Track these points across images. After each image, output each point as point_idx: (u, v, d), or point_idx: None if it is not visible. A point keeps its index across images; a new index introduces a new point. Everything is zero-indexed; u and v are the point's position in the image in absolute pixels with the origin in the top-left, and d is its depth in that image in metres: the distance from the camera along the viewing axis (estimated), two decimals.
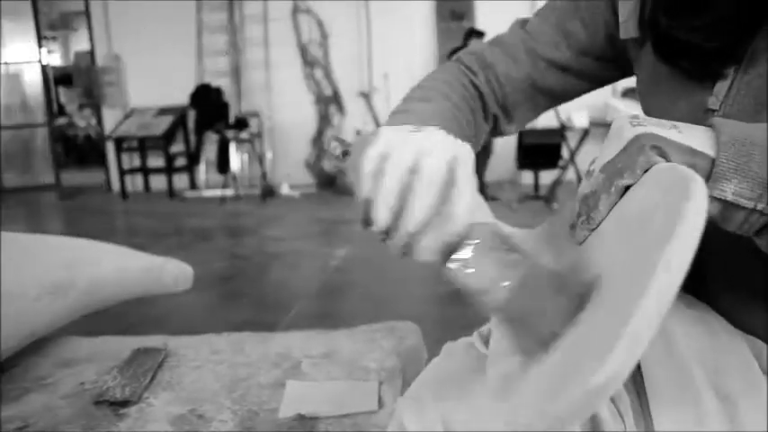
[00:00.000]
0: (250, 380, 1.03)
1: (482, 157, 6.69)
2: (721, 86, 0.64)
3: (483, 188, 6.80)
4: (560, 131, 6.68)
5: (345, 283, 3.97)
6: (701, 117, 0.66)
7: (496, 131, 0.85)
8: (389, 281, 4.00)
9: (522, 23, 0.84)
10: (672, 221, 0.36)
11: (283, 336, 1.24)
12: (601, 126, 6.77)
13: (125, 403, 0.96)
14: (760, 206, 0.49)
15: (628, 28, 0.71)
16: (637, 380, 0.64)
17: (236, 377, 1.04)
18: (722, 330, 0.64)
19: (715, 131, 0.51)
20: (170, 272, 1.32)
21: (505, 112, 0.83)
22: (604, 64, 0.81)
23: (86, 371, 1.08)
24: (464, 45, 6.76)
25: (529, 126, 5.71)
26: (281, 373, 1.06)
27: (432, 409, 0.63)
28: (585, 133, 7.11)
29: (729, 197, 0.49)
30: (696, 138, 0.51)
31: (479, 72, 0.82)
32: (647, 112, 0.77)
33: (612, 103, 6.81)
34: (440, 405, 0.63)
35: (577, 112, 6.79)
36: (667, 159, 0.50)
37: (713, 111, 0.65)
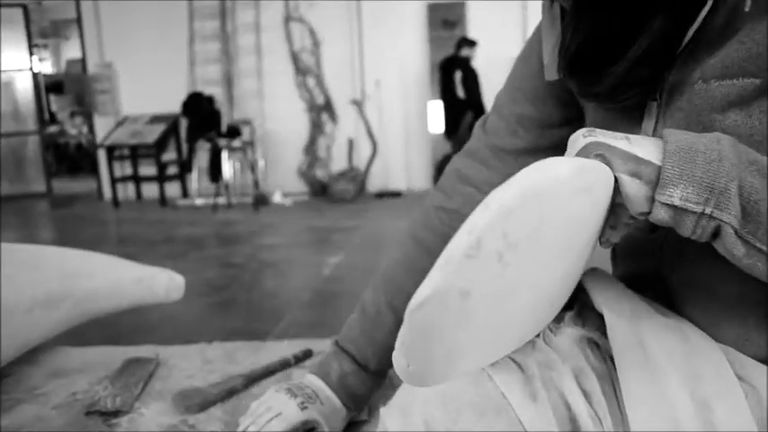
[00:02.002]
0: (242, 390, 1.04)
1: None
2: (647, 125, 0.67)
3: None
4: None
5: (338, 291, 3.97)
6: None
7: None
8: None
9: (481, 124, 0.90)
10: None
11: (275, 345, 1.25)
12: None
13: (116, 413, 0.97)
14: (708, 210, 0.51)
15: (551, 71, 0.74)
16: (614, 384, 0.66)
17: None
18: (696, 337, 0.65)
19: (663, 141, 0.53)
20: (162, 282, 1.32)
21: None
22: (569, 125, 0.83)
23: (78, 381, 1.08)
24: (456, 54, 6.78)
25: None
26: (272, 382, 1.07)
27: (416, 415, 0.64)
28: None
29: (677, 202, 0.51)
30: (644, 147, 0.54)
31: (456, 194, 0.89)
32: None
33: None
34: (423, 409, 0.64)
35: None
36: (611, 166, 0.52)
37: None
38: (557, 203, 0.46)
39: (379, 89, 7.93)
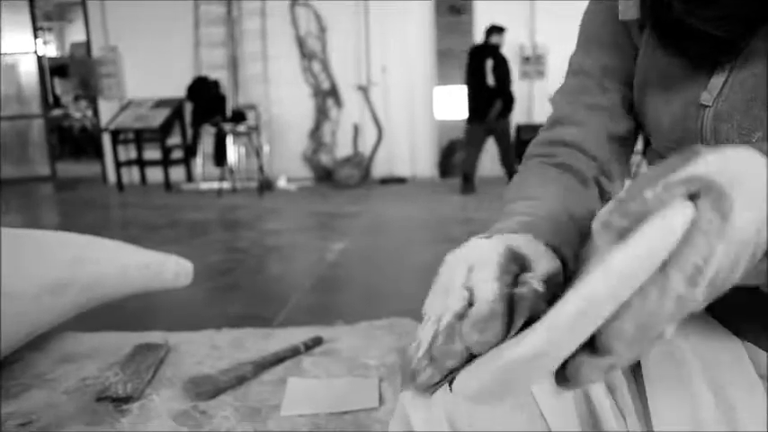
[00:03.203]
0: (252, 377, 1.03)
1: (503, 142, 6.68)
2: (716, 82, 0.63)
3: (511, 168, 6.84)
4: None
5: (342, 276, 3.97)
6: (693, 112, 0.67)
7: (603, 194, 0.78)
8: (385, 275, 4.00)
9: (562, 91, 0.81)
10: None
11: (283, 332, 1.25)
12: None
13: (127, 399, 0.97)
14: None
15: (628, 9, 0.70)
16: (637, 378, 0.65)
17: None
18: (718, 329, 0.65)
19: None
20: (170, 268, 1.32)
21: (604, 174, 0.77)
22: None
23: (87, 366, 1.08)
24: (486, 41, 6.75)
25: (525, 121, 5.70)
26: (281, 369, 1.07)
27: (437, 405, 0.63)
28: None
29: None
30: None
31: (558, 154, 0.77)
32: (640, 106, 0.77)
33: None
34: (444, 400, 0.63)
35: None
36: None
37: (706, 106, 0.65)
38: None
39: (384, 75, 7.89)
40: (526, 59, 7.72)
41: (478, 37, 7.81)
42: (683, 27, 0.63)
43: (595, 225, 0.38)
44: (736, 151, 0.38)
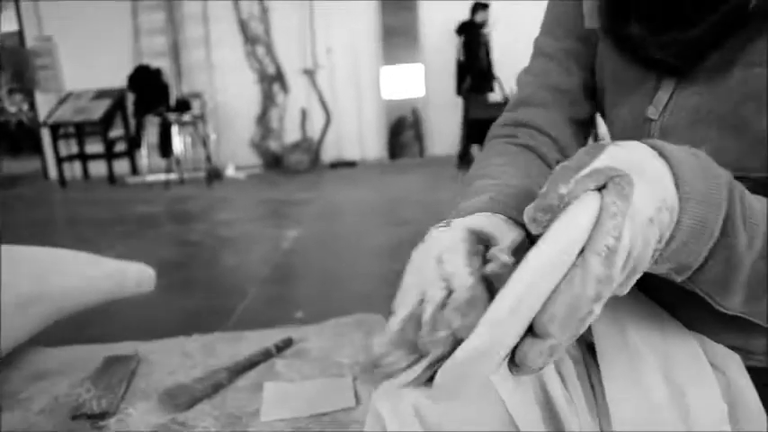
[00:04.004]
0: (227, 384, 1.05)
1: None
2: (661, 97, 0.67)
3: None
4: (504, 105, 6.76)
5: (299, 264, 3.97)
6: (640, 123, 0.71)
7: None
8: (342, 260, 4.02)
9: (527, 72, 0.84)
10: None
11: (253, 335, 1.26)
12: None
13: (103, 415, 0.97)
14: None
15: (592, 16, 0.72)
16: (587, 369, 0.69)
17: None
18: (671, 323, 0.68)
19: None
20: (132, 275, 1.31)
21: (564, 156, 0.81)
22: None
23: (59, 383, 1.07)
24: (471, 19, 6.79)
25: (474, 100, 5.71)
26: (255, 373, 1.08)
27: (405, 401, 0.65)
28: None
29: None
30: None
31: (520, 135, 0.80)
32: (600, 100, 0.80)
33: None
34: (413, 395, 0.65)
35: None
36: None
37: (652, 120, 0.69)
38: None
39: (330, 57, 7.84)
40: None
41: (424, 15, 7.84)
42: (635, 42, 0.67)
43: (525, 220, 0.42)
44: (635, 144, 0.44)
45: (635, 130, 0.72)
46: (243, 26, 7.60)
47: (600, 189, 0.40)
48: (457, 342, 0.41)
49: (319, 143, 7.91)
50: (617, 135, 0.76)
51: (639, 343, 0.66)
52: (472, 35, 6.76)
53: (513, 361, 0.40)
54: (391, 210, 5.43)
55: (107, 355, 1.17)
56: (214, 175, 7.04)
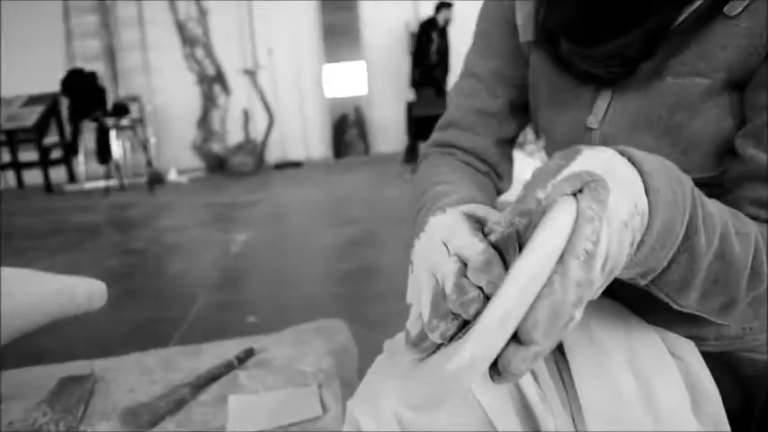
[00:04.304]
0: (190, 399, 1.03)
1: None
2: (600, 105, 0.71)
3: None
4: (445, 102, 6.85)
5: (248, 268, 3.93)
6: (581, 132, 0.74)
7: (498, 192, 0.88)
8: (292, 262, 4.00)
9: (457, 92, 0.86)
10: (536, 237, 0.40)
11: (213, 347, 1.24)
12: None
13: None
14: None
15: (526, 31, 0.76)
16: (557, 365, 0.72)
17: None
18: (634, 321, 0.72)
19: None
20: (82, 290, 1.27)
21: (496, 174, 0.85)
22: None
23: (14, 408, 1.03)
24: (434, 18, 6.85)
25: (421, 96, 5.76)
26: (218, 387, 1.07)
27: (386, 408, 0.66)
28: None
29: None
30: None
31: (454, 154, 0.84)
32: (534, 114, 0.83)
33: None
34: (393, 403, 0.66)
35: None
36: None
37: (592, 129, 0.72)
38: None
39: (271, 57, 7.76)
40: (413, 35, 7.82)
41: (365, 13, 7.85)
42: (567, 58, 0.70)
43: (503, 224, 0.45)
44: (607, 150, 0.46)
45: (576, 139, 0.75)
46: (180, 28, 7.45)
47: (576, 194, 0.41)
48: (486, 298, 0.42)
49: (263, 144, 7.82)
50: (557, 146, 0.78)
51: (604, 338, 0.69)
52: (427, 31, 6.89)
53: (495, 368, 0.41)
54: (338, 209, 5.42)
55: (61, 375, 1.13)
56: (155, 180, 6.88)
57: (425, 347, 0.47)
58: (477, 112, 0.83)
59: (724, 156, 0.65)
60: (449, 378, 0.40)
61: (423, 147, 0.88)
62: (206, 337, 1.31)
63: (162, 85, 7.57)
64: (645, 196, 0.45)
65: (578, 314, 0.38)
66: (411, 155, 7.02)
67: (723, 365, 0.72)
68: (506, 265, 0.43)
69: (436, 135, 0.86)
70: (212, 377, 1.09)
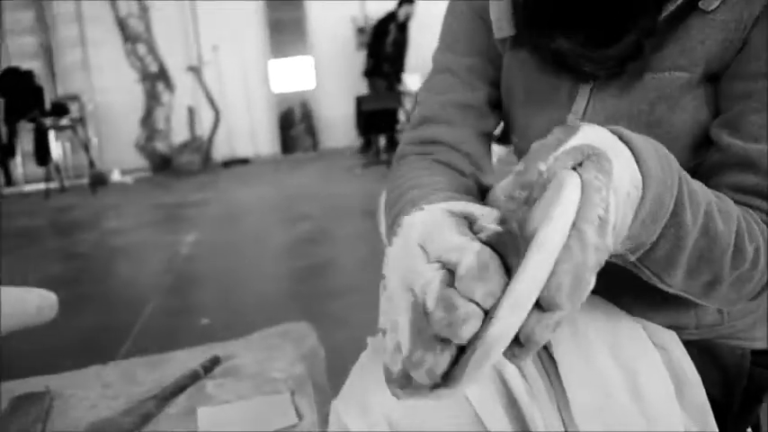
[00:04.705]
0: (157, 413, 0.98)
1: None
2: (580, 103, 0.71)
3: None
4: (396, 96, 6.85)
5: (200, 270, 3.85)
6: None
7: (480, 187, 0.82)
8: (244, 262, 3.94)
9: (427, 89, 0.84)
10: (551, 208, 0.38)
11: (174, 356, 1.19)
12: None
13: None
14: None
15: (502, 27, 0.74)
16: (541, 359, 0.71)
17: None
18: (616, 312, 0.73)
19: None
20: (32, 302, 1.20)
21: (478, 168, 0.81)
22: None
23: None
24: (395, 12, 6.84)
25: (364, 92, 5.81)
26: (185, 398, 1.03)
27: (375, 408, 0.65)
28: None
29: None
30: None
31: (433, 152, 0.80)
32: (507, 113, 0.82)
33: None
34: (381, 402, 0.65)
35: (410, 75, 6.99)
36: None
37: None
38: None
39: (216, 53, 7.60)
40: (360, 30, 7.80)
41: (311, 7, 7.79)
42: (565, 55, 0.69)
43: (500, 197, 0.42)
44: (603, 128, 0.46)
45: None
46: (121, 24, 7.22)
47: (576, 167, 0.40)
48: (484, 314, 0.36)
49: (210, 141, 7.67)
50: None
51: (588, 330, 0.71)
52: (386, 22, 6.93)
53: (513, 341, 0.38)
54: (290, 206, 5.37)
55: (12, 395, 1.07)
56: (98, 181, 6.66)
57: (415, 387, 0.38)
58: (455, 105, 0.80)
59: (701, 147, 0.67)
60: (485, 355, 0.35)
61: (401, 146, 0.84)
62: (159, 343, 1.26)
63: (103, 83, 7.32)
64: (638, 171, 0.46)
65: (592, 280, 0.37)
66: (366, 148, 7.01)
67: (704, 354, 0.74)
68: (507, 269, 0.38)
69: (411, 134, 0.83)
70: (178, 389, 1.05)
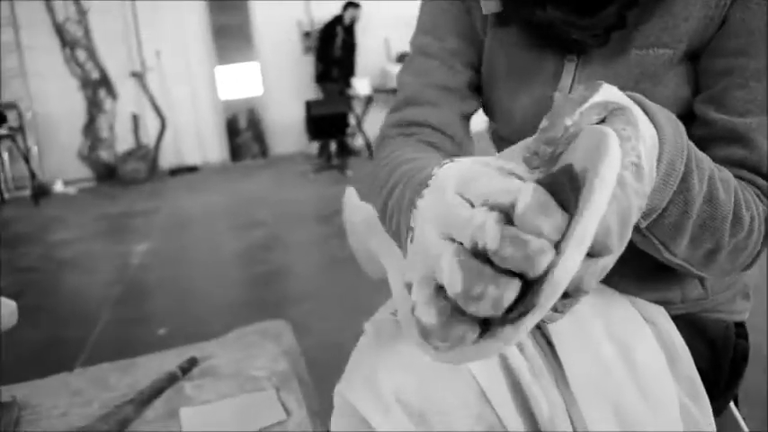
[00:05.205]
0: (135, 417, 0.94)
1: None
2: (566, 80, 0.72)
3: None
4: (346, 100, 6.84)
5: (152, 280, 3.75)
6: (546, 109, 0.73)
7: None
8: (198, 269, 3.87)
9: (407, 72, 0.83)
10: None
11: (146, 359, 1.15)
12: (382, 92, 7.04)
13: None
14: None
15: (489, 3, 0.74)
16: (540, 340, 0.72)
17: None
18: (607, 291, 0.74)
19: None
20: None
21: (461, 149, 0.81)
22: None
23: None
24: (341, 16, 6.79)
25: (312, 97, 5.79)
26: (164, 401, 0.98)
27: (384, 388, 0.64)
28: (369, 100, 7.37)
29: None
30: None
31: (416, 133, 0.79)
32: (489, 96, 0.82)
33: (389, 68, 7.10)
34: (391, 381, 0.64)
35: (360, 80, 6.98)
36: None
37: None
38: None
39: (160, 59, 7.43)
40: (306, 34, 7.74)
41: (255, 12, 7.71)
42: (541, 26, 0.69)
43: (525, 153, 0.41)
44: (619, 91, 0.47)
45: (539, 115, 0.74)
46: (59, 29, 6.97)
47: (601, 122, 0.41)
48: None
49: (156, 149, 7.49)
50: (515, 125, 0.78)
51: (582, 307, 0.72)
52: (332, 26, 6.90)
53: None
54: (241, 213, 5.29)
55: None
56: (40, 191, 6.42)
57: (455, 335, 0.36)
58: (436, 87, 0.80)
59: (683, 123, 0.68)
60: (556, 289, 0.33)
61: (383, 128, 0.83)
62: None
63: (42, 90, 7.04)
64: (655, 131, 0.48)
65: (635, 219, 0.39)
66: (324, 152, 6.97)
67: (691, 327, 0.75)
68: (564, 207, 0.36)
69: (393, 116, 0.82)
70: (155, 392, 1.00)
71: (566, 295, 0.36)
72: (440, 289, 0.38)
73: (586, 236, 0.34)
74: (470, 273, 0.35)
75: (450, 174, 0.43)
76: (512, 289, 0.34)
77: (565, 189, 0.36)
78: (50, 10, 6.92)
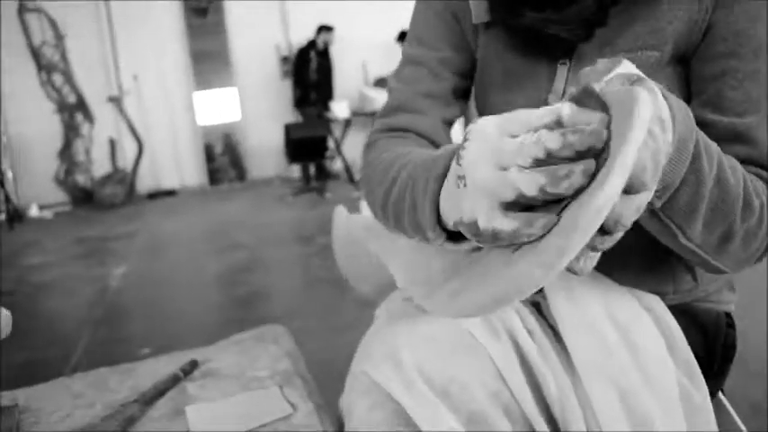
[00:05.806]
0: (141, 416, 0.94)
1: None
2: (559, 84, 0.75)
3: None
4: (325, 123, 6.87)
5: (132, 302, 3.72)
6: None
7: None
8: (178, 292, 3.84)
9: (397, 79, 0.87)
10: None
11: (146, 363, 1.15)
12: (361, 115, 7.09)
13: None
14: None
15: (480, 13, 0.77)
16: (538, 323, 0.75)
17: None
18: (607, 280, 0.77)
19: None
20: None
21: None
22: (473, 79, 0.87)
23: None
24: (314, 40, 6.84)
25: (292, 120, 5.84)
26: (167, 401, 0.98)
27: (407, 362, 0.66)
28: (348, 123, 7.42)
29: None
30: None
31: (403, 137, 0.82)
32: (483, 102, 0.85)
33: (367, 92, 7.16)
34: (413, 354, 0.66)
35: (338, 103, 7.02)
36: None
37: None
38: None
39: (137, 83, 7.42)
40: (284, 59, 7.78)
41: (233, 38, 7.73)
42: (529, 31, 0.73)
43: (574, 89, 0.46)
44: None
45: None
46: (35, 53, 6.94)
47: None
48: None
49: (133, 173, 7.44)
50: None
51: (585, 295, 0.74)
52: (306, 51, 6.96)
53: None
54: (220, 236, 5.27)
55: None
56: (16, 216, 6.32)
57: (539, 225, 0.41)
58: (423, 95, 0.84)
59: None
60: (600, 210, 0.37)
61: (372, 133, 0.87)
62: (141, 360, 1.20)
63: (17, 114, 6.97)
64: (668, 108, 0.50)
65: (663, 161, 0.44)
66: (305, 175, 6.97)
67: (684, 316, 0.78)
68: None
69: (382, 121, 0.86)
70: (159, 392, 1.00)
71: (605, 232, 0.40)
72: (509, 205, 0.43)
73: (627, 164, 0.37)
74: (548, 169, 0.40)
75: (487, 122, 0.48)
76: (590, 162, 0.39)
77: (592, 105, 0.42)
78: (27, 34, 6.89)
